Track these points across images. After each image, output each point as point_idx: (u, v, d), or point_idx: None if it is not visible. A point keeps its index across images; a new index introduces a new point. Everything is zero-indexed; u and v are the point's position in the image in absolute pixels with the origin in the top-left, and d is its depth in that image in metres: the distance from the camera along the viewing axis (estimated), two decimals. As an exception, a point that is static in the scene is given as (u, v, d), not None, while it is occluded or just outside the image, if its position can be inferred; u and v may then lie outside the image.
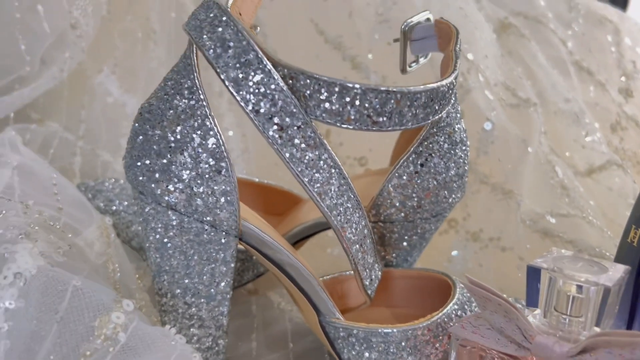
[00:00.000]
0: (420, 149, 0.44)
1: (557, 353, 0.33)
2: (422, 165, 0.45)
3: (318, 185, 0.37)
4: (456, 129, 0.45)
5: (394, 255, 0.51)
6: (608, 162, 0.65)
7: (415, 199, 0.46)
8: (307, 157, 0.36)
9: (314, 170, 0.36)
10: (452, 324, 0.42)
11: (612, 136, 0.76)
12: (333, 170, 0.37)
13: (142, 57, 0.78)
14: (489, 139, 0.61)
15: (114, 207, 0.57)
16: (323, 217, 0.41)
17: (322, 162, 0.36)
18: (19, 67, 0.68)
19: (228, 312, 0.42)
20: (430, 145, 0.44)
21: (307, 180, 0.36)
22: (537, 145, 0.62)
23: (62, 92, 0.75)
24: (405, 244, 0.50)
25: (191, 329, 0.42)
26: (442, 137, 0.44)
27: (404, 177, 0.45)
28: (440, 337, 0.42)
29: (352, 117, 0.35)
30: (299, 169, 0.36)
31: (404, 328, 0.42)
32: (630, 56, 0.84)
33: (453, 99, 0.44)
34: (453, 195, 0.48)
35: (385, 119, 0.35)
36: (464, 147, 0.46)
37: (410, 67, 0.50)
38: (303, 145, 0.35)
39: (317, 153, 0.36)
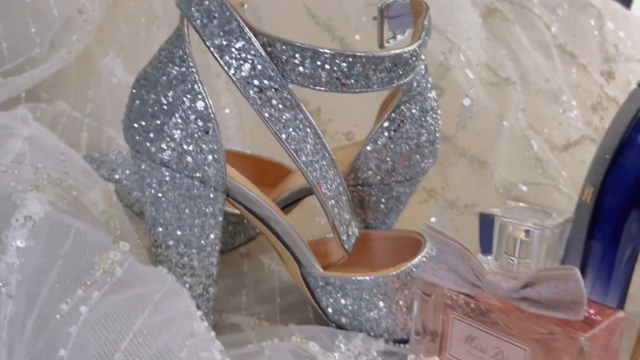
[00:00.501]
0: (393, 115, 0.48)
1: (504, 289, 0.37)
2: (395, 131, 0.49)
3: (294, 142, 0.41)
4: (427, 98, 0.49)
5: (373, 217, 0.55)
6: (583, 137, 0.69)
7: (390, 163, 0.50)
8: (284, 117, 0.40)
9: (291, 129, 0.40)
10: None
11: (593, 116, 0.80)
12: (308, 130, 0.41)
13: (145, 42, 0.83)
14: (467, 114, 0.65)
15: (117, 176, 0.62)
16: (307, 184, 0.46)
17: (298, 121, 0.41)
18: (29, 49, 0.73)
19: (217, 263, 0.47)
20: (403, 113, 0.48)
21: (284, 137, 0.40)
22: (514, 121, 0.66)
23: (70, 74, 0.80)
24: (382, 206, 0.54)
25: (184, 277, 0.46)
26: (414, 105, 0.48)
27: (379, 142, 0.49)
28: (409, 285, 0.46)
29: (324, 80, 0.39)
30: (277, 128, 0.40)
31: (375, 276, 0.46)
32: (612, 40, 0.87)
33: (423, 70, 0.48)
34: (425, 160, 0.52)
35: (353, 81, 0.39)
36: (434, 115, 0.50)
37: (388, 42, 0.54)
38: (280, 106, 0.40)
39: (293, 113, 0.40)
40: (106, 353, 0.31)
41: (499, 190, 0.60)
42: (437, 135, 0.51)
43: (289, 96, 0.40)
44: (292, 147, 0.41)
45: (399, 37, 0.54)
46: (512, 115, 0.66)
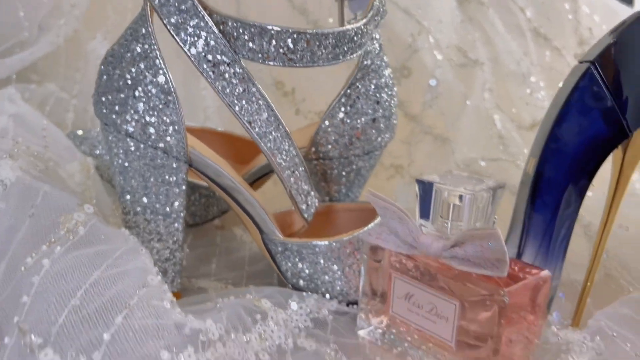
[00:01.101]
0: (349, 91, 0.51)
1: (435, 248, 0.40)
2: (350, 106, 0.52)
3: (247, 114, 0.44)
4: (382, 75, 0.52)
5: (336, 190, 0.59)
6: (547, 117, 0.71)
7: (347, 137, 0.53)
8: (236, 90, 0.43)
9: (244, 101, 0.44)
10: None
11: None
12: (261, 102, 0.44)
13: (132, 26, 0.86)
14: (433, 94, 0.67)
15: (97, 152, 0.65)
16: None
17: (250, 94, 0.44)
18: (18, 32, 0.76)
19: (183, 229, 0.50)
20: (357, 89, 0.51)
21: (237, 109, 0.44)
22: (479, 100, 0.69)
23: (60, 57, 0.83)
24: (344, 179, 0.58)
25: (151, 242, 0.50)
26: (368, 82, 0.51)
27: (336, 118, 0.52)
28: (361, 250, 0.49)
29: (271, 55, 0.42)
30: (230, 100, 0.43)
31: (329, 241, 0.49)
32: (587, 23, 0.89)
33: (378, 49, 0.51)
34: (382, 135, 0.55)
35: (298, 56, 0.42)
36: (389, 92, 0.53)
37: (349, 23, 0.56)
38: (233, 80, 0.43)
39: (244, 86, 0.43)
40: (64, 300, 0.34)
41: (460, 165, 0.63)
42: (392, 111, 0.54)
43: (240, 70, 0.43)
44: (246, 119, 0.44)
45: (360, 18, 0.57)
46: (477, 95, 0.68)
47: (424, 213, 0.43)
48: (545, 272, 0.41)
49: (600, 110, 0.45)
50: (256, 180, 0.62)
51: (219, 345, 0.36)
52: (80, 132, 0.68)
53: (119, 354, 0.31)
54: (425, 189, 0.43)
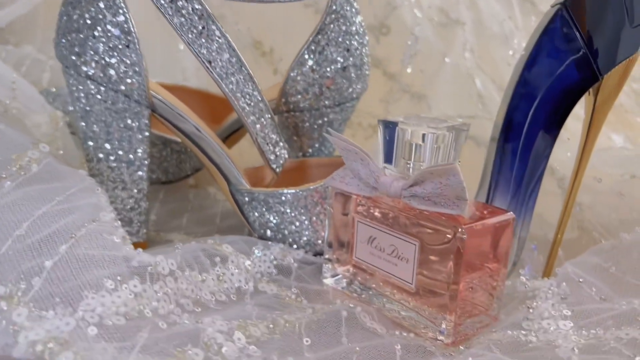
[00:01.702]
0: (319, 37, 0.50)
1: (395, 187, 0.39)
2: (319, 53, 0.51)
3: (207, 53, 0.43)
4: (352, 22, 0.51)
5: (309, 145, 0.58)
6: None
7: (317, 87, 0.52)
8: (195, 28, 0.42)
9: (203, 39, 0.43)
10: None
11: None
12: (222, 41, 0.43)
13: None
14: (411, 52, 0.66)
15: (71, 107, 0.64)
16: None
17: (210, 32, 0.43)
18: (-7, -9, 0.75)
19: (147, 178, 0.49)
20: (327, 35, 0.50)
21: (196, 48, 0.43)
22: (459, 59, 0.67)
23: (38, 20, 0.82)
24: (316, 134, 0.57)
25: (116, 191, 0.49)
26: (338, 28, 0.50)
27: (305, 65, 0.51)
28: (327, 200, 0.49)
29: (230, -10, 0.41)
30: (189, 37, 0.42)
31: (296, 190, 0.48)
32: (574, -12, 0.88)
33: (348, -6, 0.50)
34: (353, 86, 0.54)
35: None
36: (360, 40, 0.52)
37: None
38: (191, 16, 0.42)
39: (204, 24, 0.42)
40: (9, 230, 0.34)
41: (436, 122, 0.62)
42: (364, 60, 0.53)
43: (199, 7, 0.42)
44: (205, 58, 0.43)
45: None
46: (457, 54, 0.67)
47: (388, 157, 0.43)
48: (509, 214, 0.40)
49: (571, 53, 0.44)
50: (230, 135, 0.61)
51: (170, 280, 0.35)
52: (53, 90, 0.67)
53: (60, 280, 0.31)
54: (389, 132, 0.42)
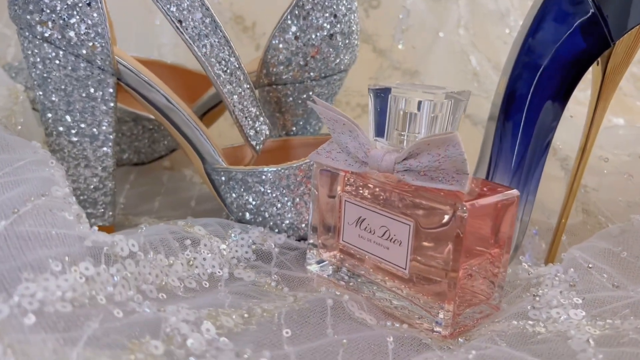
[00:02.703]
0: (303, 1, 0.46)
1: (386, 161, 0.35)
2: (304, 18, 0.46)
3: (177, 11, 0.38)
4: (340, -14, 0.46)
5: (293, 122, 0.53)
6: (526, 56, 0.66)
7: (301, 56, 0.48)
8: (164, -18, 0.38)
9: (173, -4, 0.38)
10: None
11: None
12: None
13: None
14: (403, 26, 0.62)
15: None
16: None
17: (180, -11, 0.38)
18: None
19: (113, 155, 0.45)
20: (312, -1, 0.46)
21: (164, 3, 0.38)
22: (453, 36, 0.63)
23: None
24: (301, 110, 0.52)
25: (78, 169, 0.44)
26: (324, -8, 0.46)
27: (288, 32, 0.47)
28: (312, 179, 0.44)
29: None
30: (156, -9, 0.38)
31: (277, 168, 0.44)
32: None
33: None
34: (341, 56, 0.49)
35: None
36: (348, 5, 0.47)
37: None
38: (159, -31, 0.37)
39: (174, -22, 0.38)
40: (-60, 205, 0.29)
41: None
42: (352, 28, 0.49)
43: (168, -42, 0.37)
44: (175, 16, 0.38)
45: None
46: (451, 30, 0.63)
47: (380, 130, 0.38)
48: (514, 191, 0.36)
49: (579, 16, 0.40)
50: (207, 112, 0.56)
51: (129, 263, 0.31)
52: (16, 64, 0.62)
53: (-5, 261, 0.26)
54: (380, 101, 0.38)
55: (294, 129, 0.54)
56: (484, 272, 0.36)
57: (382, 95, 0.38)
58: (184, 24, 0.39)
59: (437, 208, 0.34)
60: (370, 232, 0.38)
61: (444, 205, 0.33)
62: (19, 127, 0.49)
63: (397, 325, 0.35)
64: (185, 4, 0.38)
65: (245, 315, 0.31)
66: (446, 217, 0.34)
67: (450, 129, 0.37)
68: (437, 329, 0.35)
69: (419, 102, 0.36)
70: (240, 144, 0.53)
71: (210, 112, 0.56)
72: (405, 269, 0.36)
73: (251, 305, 0.32)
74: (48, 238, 0.28)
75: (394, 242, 0.36)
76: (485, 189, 0.36)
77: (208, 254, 0.38)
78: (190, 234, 0.38)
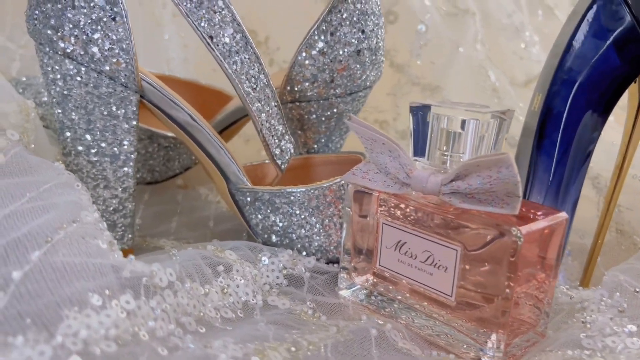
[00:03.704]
0: (330, 17, 0.44)
1: (432, 182, 0.34)
2: (332, 34, 0.45)
3: (208, 27, 0.37)
4: (367, 0, 0.45)
5: (314, 140, 0.52)
6: (543, 71, 0.66)
7: (327, 72, 0.46)
8: (195, -4, 0.36)
9: (203, 11, 0.36)
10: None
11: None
12: (225, 13, 0.37)
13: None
14: (421, 41, 0.61)
15: (44, 98, 0.57)
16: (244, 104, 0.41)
17: (212, 2, 0.36)
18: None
19: (134, 175, 0.43)
20: (340, 14, 0.44)
21: (195, 20, 0.36)
22: (472, 51, 0.62)
23: (6, 6, 0.75)
24: (324, 127, 0.51)
25: (97, 190, 0.42)
26: (353, 6, 0.44)
27: (315, 48, 0.45)
28: (342, 200, 0.43)
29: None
30: (187, 7, 0.36)
31: (306, 188, 0.42)
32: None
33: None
34: (367, 73, 0.48)
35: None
36: (376, 20, 0.46)
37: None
38: (191, -17, 0.36)
39: (206, -8, 0.36)
40: (-33, 234, 0.27)
41: (451, 117, 0.56)
42: (380, 44, 0.47)
43: (200, -29, 0.36)
44: (206, 32, 0.37)
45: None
46: (469, 45, 0.62)
47: (419, 149, 0.37)
48: (562, 214, 0.35)
49: (616, 31, 0.39)
50: (223, 130, 0.55)
51: (168, 294, 0.29)
52: (23, 79, 0.60)
53: (31, 296, 0.24)
54: (421, 119, 0.36)
55: (316, 146, 0.52)
56: (530, 298, 0.35)
57: (421, 112, 0.36)
58: (215, 40, 0.37)
59: (484, 232, 0.32)
60: (411, 256, 0.36)
61: (492, 229, 0.32)
62: (32, 146, 0.47)
63: (443, 354, 0.34)
64: (217, 19, 0.37)
65: (292, 349, 0.29)
66: (488, 237, 0.32)
67: (495, 149, 0.36)
68: (486, 359, 0.33)
69: (463, 121, 0.34)
70: (260, 162, 0.52)
71: (227, 129, 0.55)
72: (451, 296, 0.34)
73: (295, 337, 0.30)
74: (84, 269, 0.26)
75: (438, 267, 0.35)
76: (532, 210, 0.34)
77: (241, 280, 0.36)
78: (222, 259, 0.36)
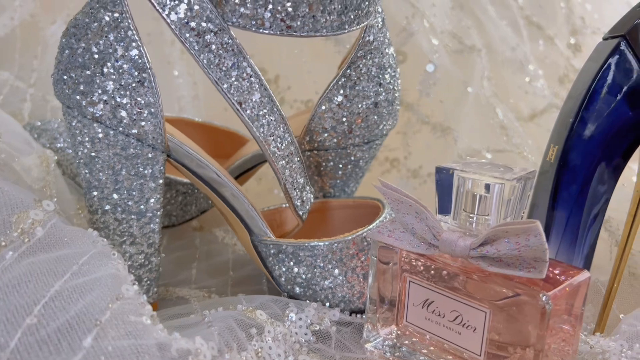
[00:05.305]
0: (349, 72, 0.45)
1: (461, 246, 0.35)
2: (350, 88, 0.46)
3: (237, 93, 0.38)
4: (385, 54, 0.46)
5: (331, 185, 0.52)
6: (549, 105, 0.67)
7: (346, 124, 0.47)
8: (224, 64, 0.37)
9: (233, 78, 0.37)
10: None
11: (560, 88, 0.78)
12: (253, 79, 0.38)
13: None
14: (430, 81, 0.62)
15: (59, 145, 0.58)
16: (260, 150, 0.42)
17: (240, 70, 0.37)
18: (-34, 13, 0.68)
19: (159, 230, 0.43)
20: (359, 69, 0.45)
21: (226, 87, 0.37)
22: (479, 89, 0.64)
23: (15, 43, 0.75)
24: (340, 173, 0.51)
25: (123, 246, 0.43)
26: (371, 61, 0.45)
27: (334, 101, 0.46)
28: (366, 251, 0.43)
29: (267, 22, 0.36)
30: (217, 76, 0.37)
31: (330, 241, 0.43)
32: (579, 12, 0.86)
33: (380, 23, 0.45)
34: (384, 122, 0.49)
35: (299, 23, 0.36)
36: (393, 73, 0.47)
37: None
38: (220, 52, 0.36)
39: (234, 60, 0.37)
40: (16, 318, 0.28)
41: (463, 156, 0.58)
42: (396, 95, 0.48)
43: (230, 41, 0.36)
44: (235, 98, 0.37)
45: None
46: (477, 83, 0.63)
47: (444, 207, 0.38)
48: (585, 273, 0.36)
49: (627, 85, 0.40)
50: (239, 176, 0.55)
51: (212, 369, 0.30)
52: (38, 123, 0.60)
53: (88, 387, 0.25)
54: (445, 179, 0.37)
55: (332, 190, 0.53)
56: (556, 351, 0.36)
57: (444, 172, 0.37)
58: (243, 106, 0.38)
59: (516, 294, 0.33)
60: (439, 315, 0.37)
61: (522, 293, 0.33)
62: (55, 199, 0.48)
63: (474, 413, 0.35)
64: (245, 86, 0.38)
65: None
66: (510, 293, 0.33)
67: (519, 207, 0.37)
68: (515, 416, 0.34)
69: (487, 185, 0.36)
70: (277, 207, 0.53)
71: (241, 175, 0.55)
72: (480, 356, 0.35)
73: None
74: (133, 352, 0.27)
75: (467, 327, 0.36)
76: (556, 270, 0.36)
77: (273, 341, 0.36)
78: (253, 320, 0.37)
